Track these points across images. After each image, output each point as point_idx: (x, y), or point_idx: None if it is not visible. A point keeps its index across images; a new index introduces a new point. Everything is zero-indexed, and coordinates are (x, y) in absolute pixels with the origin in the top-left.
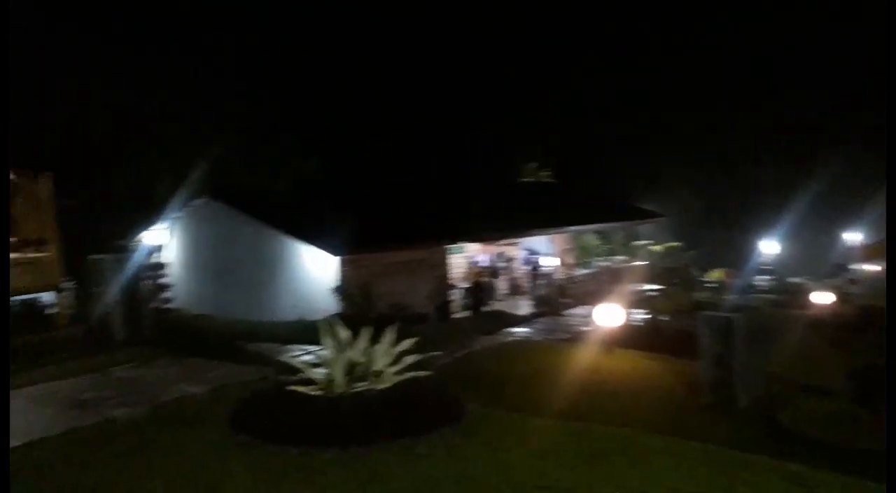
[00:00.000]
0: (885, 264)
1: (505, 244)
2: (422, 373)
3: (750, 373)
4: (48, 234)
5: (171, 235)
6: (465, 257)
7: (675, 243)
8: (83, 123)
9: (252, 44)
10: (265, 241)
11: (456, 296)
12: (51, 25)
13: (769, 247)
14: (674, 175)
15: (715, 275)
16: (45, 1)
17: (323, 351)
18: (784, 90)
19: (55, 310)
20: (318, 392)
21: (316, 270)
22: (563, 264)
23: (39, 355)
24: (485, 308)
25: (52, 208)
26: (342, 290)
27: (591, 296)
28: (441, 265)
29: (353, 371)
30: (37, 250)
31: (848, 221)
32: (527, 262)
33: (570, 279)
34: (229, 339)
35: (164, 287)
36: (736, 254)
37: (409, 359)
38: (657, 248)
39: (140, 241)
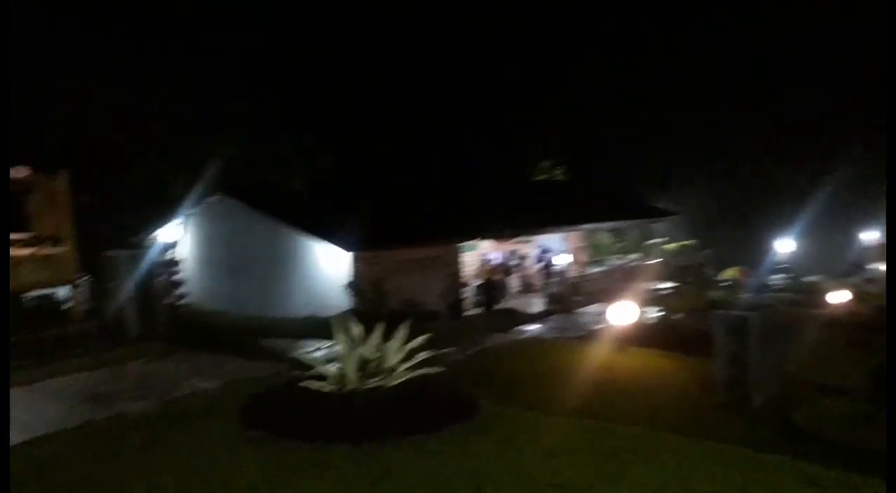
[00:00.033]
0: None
1: (518, 242)
2: (434, 370)
3: (765, 372)
4: (64, 230)
5: (186, 232)
6: (477, 255)
7: (689, 242)
8: (100, 121)
9: (255, 44)
10: (279, 237)
11: (468, 293)
12: (70, 26)
13: (785, 246)
14: (688, 174)
15: (729, 273)
16: (58, 3)
17: (335, 347)
18: (803, 89)
19: (70, 305)
20: (331, 388)
21: (329, 266)
22: (576, 261)
23: (55, 350)
24: (497, 306)
25: (68, 205)
26: (355, 286)
27: (604, 294)
28: (454, 263)
29: (365, 367)
30: (53, 246)
31: (865, 221)
32: (539, 259)
33: (583, 277)
34: (242, 335)
35: (178, 283)
36: (751, 253)
37: (422, 356)
38: (671, 246)
39: (154, 237)
